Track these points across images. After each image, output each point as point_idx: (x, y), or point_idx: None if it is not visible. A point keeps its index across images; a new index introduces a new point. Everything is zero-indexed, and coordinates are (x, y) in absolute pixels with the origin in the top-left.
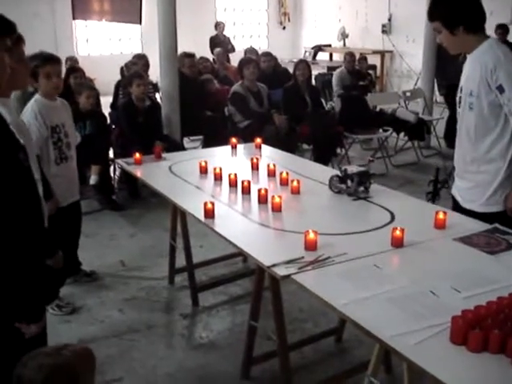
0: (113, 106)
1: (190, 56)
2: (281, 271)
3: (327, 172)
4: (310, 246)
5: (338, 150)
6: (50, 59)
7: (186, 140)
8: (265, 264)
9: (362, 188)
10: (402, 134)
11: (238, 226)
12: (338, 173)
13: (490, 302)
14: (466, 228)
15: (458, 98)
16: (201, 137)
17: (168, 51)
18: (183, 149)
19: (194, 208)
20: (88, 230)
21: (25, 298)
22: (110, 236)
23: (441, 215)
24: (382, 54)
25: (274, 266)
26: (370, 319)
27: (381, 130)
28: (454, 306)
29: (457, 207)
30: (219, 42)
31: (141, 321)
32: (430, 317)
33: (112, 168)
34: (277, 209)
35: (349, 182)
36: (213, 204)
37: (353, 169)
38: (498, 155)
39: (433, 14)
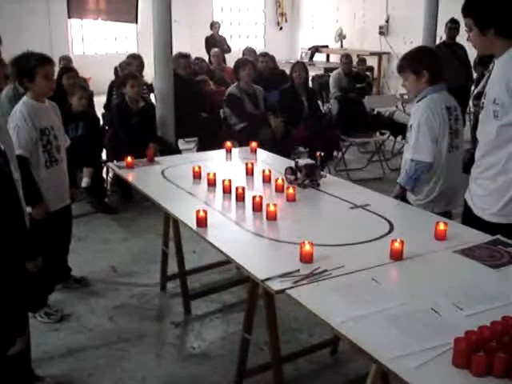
0: (106, 106)
1: (185, 57)
2: (275, 285)
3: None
4: (306, 259)
5: (335, 153)
6: (49, 60)
7: (180, 141)
8: (259, 277)
9: (309, 180)
10: (399, 138)
11: (232, 235)
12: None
13: (494, 322)
14: (467, 239)
15: (481, 103)
16: (195, 138)
17: (162, 51)
18: (178, 151)
19: (186, 215)
20: (79, 233)
21: (6, 307)
22: (102, 240)
23: (441, 226)
24: (380, 55)
25: (267, 279)
26: (369, 339)
27: (378, 133)
28: (456, 326)
29: (467, 212)
30: (215, 42)
31: (131, 329)
32: (432, 337)
33: (105, 170)
34: (272, 217)
35: (298, 174)
36: (205, 212)
37: (303, 162)
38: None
39: (466, 9)
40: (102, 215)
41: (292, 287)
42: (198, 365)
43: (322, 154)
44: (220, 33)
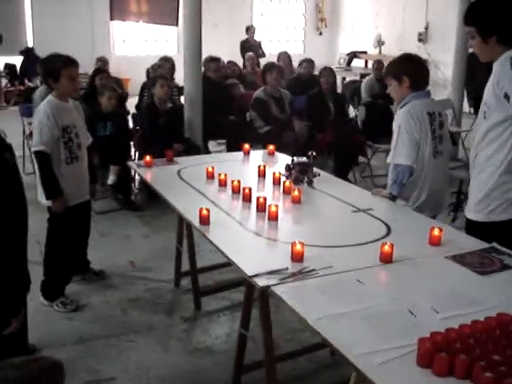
0: (137, 107)
1: (215, 60)
2: (261, 282)
3: (335, 183)
4: (296, 258)
5: (361, 159)
6: (74, 62)
7: (212, 143)
8: (247, 273)
9: (304, 178)
10: None
11: (233, 234)
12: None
13: (462, 325)
14: (462, 246)
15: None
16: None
17: (192, 55)
18: (207, 152)
19: (192, 213)
20: (103, 229)
21: (6, 287)
22: (124, 236)
23: (436, 231)
24: None
25: (255, 276)
26: (341, 336)
27: None
28: (428, 327)
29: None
30: (250, 47)
31: (142, 322)
32: (401, 336)
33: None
34: (273, 218)
35: (292, 171)
36: (208, 211)
37: (298, 160)
38: (494, 165)
39: (469, 19)
40: (127, 212)
41: (277, 284)
42: (201, 359)
43: (314, 153)
44: (257, 38)
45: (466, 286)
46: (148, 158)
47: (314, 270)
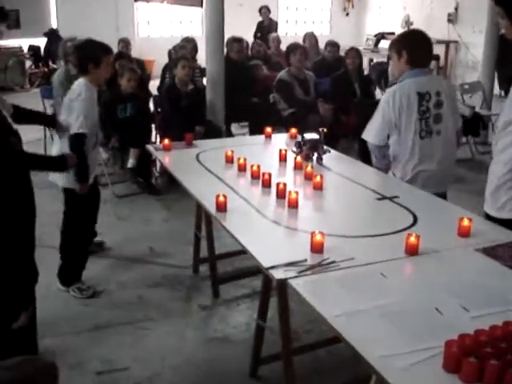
0: (159, 89)
1: (238, 41)
2: (278, 274)
3: (359, 167)
4: (316, 249)
5: None
6: (111, 51)
7: (235, 126)
8: (263, 265)
9: (314, 154)
10: None
11: (250, 221)
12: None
13: (493, 326)
14: (493, 237)
15: None
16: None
17: (214, 35)
18: (229, 135)
19: (209, 200)
20: (123, 212)
21: (10, 280)
22: (144, 220)
23: (465, 222)
24: (447, 43)
25: (272, 267)
26: (361, 336)
27: None
28: (456, 327)
29: None
30: (263, 27)
31: (158, 309)
32: (427, 337)
33: None
34: (293, 205)
35: (303, 148)
36: (225, 197)
37: (309, 136)
38: (505, 158)
39: None
40: (147, 196)
41: (295, 277)
42: (217, 349)
43: (325, 130)
44: (271, 17)
45: (497, 281)
46: (166, 141)
47: (334, 262)
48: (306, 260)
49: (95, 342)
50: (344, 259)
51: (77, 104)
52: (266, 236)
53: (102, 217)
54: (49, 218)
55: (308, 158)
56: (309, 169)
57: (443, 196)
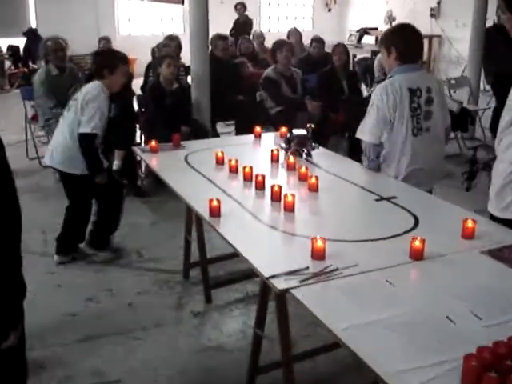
0: (143, 88)
1: (223, 38)
2: (280, 284)
3: (351, 166)
4: (317, 255)
5: None
6: (128, 61)
7: (220, 125)
8: (264, 275)
9: (303, 150)
10: None
11: (246, 227)
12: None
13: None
14: (498, 239)
15: None
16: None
17: (199, 32)
18: (215, 134)
19: (201, 204)
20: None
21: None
22: (131, 224)
23: (469, 223)
24: (430, 38)
25: (273, 277)
26: (373, 350)
27: None
28: (471, 337)
29: None
30: (239, 24)
31: (150, 317)
32: (443, 350)
33: None
34: (289, 208)
35: (292, 144)
36: (219, 201)
37: (297, 132)
38: (510, 157)
39: None
40: (133, 198)
41: (297, 286)
42: (212, 358)
43: (313, 126)
44: (246, 14)
45: (506, 285)
46: (153, 142)
47: (337, 269)
48: (307, 268)
49: (85, 354)
50: (347, 266)
51: (93, 105)
52: (263, 242)
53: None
54: (33, 223)
55: (297, 154)
56: (303, 170)
57: (429, 192)
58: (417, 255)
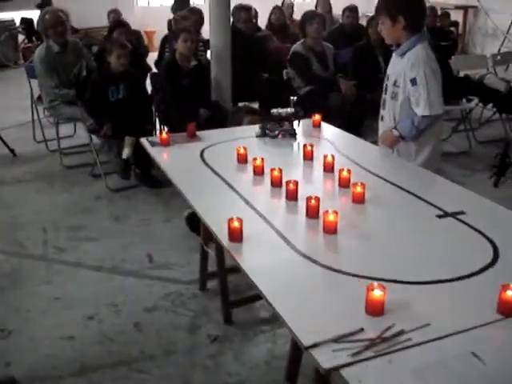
0: (157, 64)
1: (246, 9)
2: (325, 359)
3: (397, 163)
4: (375, 310)
5: None
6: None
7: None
8: (303, 343)
9: (279, 133)
10: (490, 105)
11: (273, 256)
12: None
13: None
14: None
15: None
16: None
17: (219, 2)
18: None
19: (219, 220)
20: (118, 211)
21: None
22: (141, 221)
23: None
24: (466, 9)
25: (315, 345)
26: None
27: (464, 100)
28: None
29: None
30: None
31: (159, 342)
32: None
33: None
34: (330, 230)
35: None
36: (240, 222)
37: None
38: None
39: None
40: (145, 190)
41: (350, 364)
42: None
43: (295, 98)
44: None
45: None
46: (164, 134)
47: (403, 331)
48: (361, 330)
49: None
50: (416, 327)
51: None
52: (298, 284)
53: (95, 218)
54: (32, 219)
55: (275, 137)
56: (358, 189)
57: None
58: (510, 311)
